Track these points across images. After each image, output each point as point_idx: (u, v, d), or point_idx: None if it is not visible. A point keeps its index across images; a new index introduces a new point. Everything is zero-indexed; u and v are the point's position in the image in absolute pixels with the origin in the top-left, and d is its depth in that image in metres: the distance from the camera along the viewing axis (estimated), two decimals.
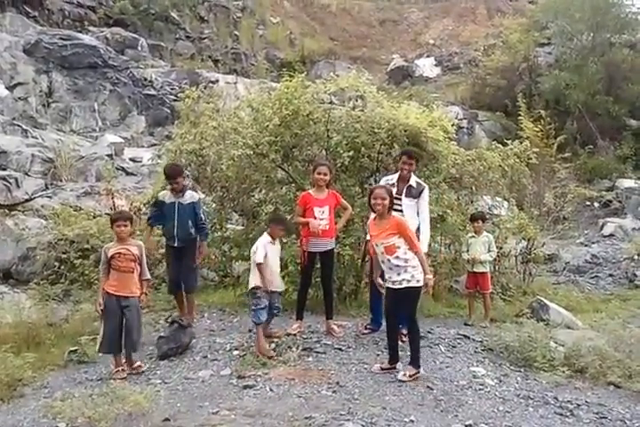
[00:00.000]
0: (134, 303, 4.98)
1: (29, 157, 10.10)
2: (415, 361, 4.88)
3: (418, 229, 5.77)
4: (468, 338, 5.92)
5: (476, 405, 4.46)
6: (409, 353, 5.01)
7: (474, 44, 22.82)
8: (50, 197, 9.18)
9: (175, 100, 13.19)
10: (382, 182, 6.02)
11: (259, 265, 5.30)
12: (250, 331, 5.80)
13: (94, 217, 7.86)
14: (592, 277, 10.32)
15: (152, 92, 14.80)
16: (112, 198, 8.19)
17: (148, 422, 4.07)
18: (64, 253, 7.21)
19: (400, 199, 5.75)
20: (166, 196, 5.77)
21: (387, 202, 4.81)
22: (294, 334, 5.63)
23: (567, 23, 17.83)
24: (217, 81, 15.75)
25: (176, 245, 5.74)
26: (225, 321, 6.33)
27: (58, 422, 4.11)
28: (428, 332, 6.02)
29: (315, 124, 6.89)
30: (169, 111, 14.33)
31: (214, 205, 7.61)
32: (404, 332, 5.64)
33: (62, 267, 7.12)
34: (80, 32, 15.71)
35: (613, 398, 4.76)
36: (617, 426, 4.31)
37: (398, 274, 4.80)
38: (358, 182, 7.06)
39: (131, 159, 12.01)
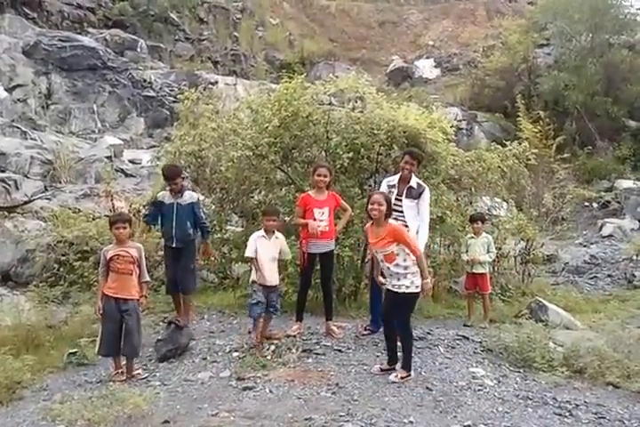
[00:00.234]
0: (133, 307, 4.96)
1: (28, 158, 10.10)
2: (407, 364, 4.89)
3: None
4: (468, 339, 5.92)
5: (475, 405, 4.47)
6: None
7: (473, 45, 22.86)
8: (49, 198, 9.18)
9: (174, 102, 13.22)
10: (384, 183, 6.03)
11: (250, 259, 5.33)
12: (249, 333, 5.80)
13: (93, 219, 7.85)
14: (591, 278, 10.33)
15: (151, 93, 14.81)
16: (111, 200, 8.17)
17: (147, 424, 4.06)
18: (63, 255, 7.20)
19: (400, 200, 5.77)
20: (165, 196, 5.77)
21: (383, 208, 4.80)
22: (294, 336, 5.63)
23: (566, 24, 17.86)
24: (216, 82, 15.77)
25: (174, 245, 5.73)
26: (224, 323, 6.33)
27: (57, 424, 4.10)
28: (428, 333, 6.03)
29: (314, 125, 6.90)
30: (168, 113, 14.34)
31: (214, 206, 7.62)
32: None
33: (61, 269, 7.11)
34: (79, 34, 15.73)
35: (612, 399, 4.76)
36: (615, 426, 4.31)
37: (398, 279, 4.83)
38: (358, 184, 7.07)
39: (130, 161, 12.02)
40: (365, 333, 5.85)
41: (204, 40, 19.97)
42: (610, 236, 12.60)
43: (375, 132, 6.68)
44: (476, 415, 4.30)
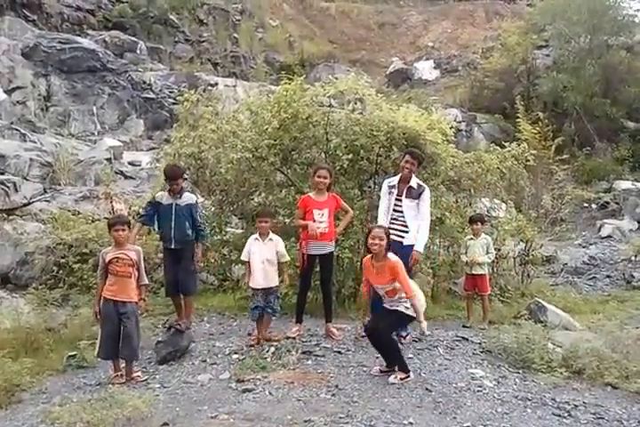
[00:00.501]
0: (132, 311, 4.95)
1: (28, 161, 10.10)
2: (403, 368, 4.88)
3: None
4: (467, 340, 5.93)
5: (474, 406, 4.47)
6: (408, 357, 5.02)
7: (472, 46, 22.88)
8: (48, 201, 9.18)
9: (174, 104, 13.21)
10: (384, 184, 6.04)
11: (244, 263, 5.39)
12: (249, 335, 5.81)
13: (93, 221, 7.86)
14: (590, 279, 10.34)
15: (151, 95, 14.82)
16: (111, 202, 8.18)
17: (146, 426, 4.07)
18: (62, 257, 7.20)
19: (400, 200, 5.77)
20: (163, 197, 5.73)
21: (384, 243, 4.78)
22: (293, 338, 5.63)
23: (565, 26, 17.87)
24: (216, 84, 15.77)
25: (173, 247, 5.70)
26: (224, 325, 6.33)
27: None
28: (427, 334, 6.02)
29: (314, 127, 6.92)
30: (168, 115, 14.34)
31: (213, 208, 7.63)
32: (403, 334, 5.67)
33: (61, 271, 7.11)
34: (79, 35, 15.74)
35: (611, 399, 4.76)
36: (614, 426, 4.33)
37: (398, 305, 4.88)
38: (357, 185, 7.08)
39: (129, 163, 12.01)
40: (365, 334, 5.85)
41: (203, 42, 19.98)
42: (609, 237, 12.62)
43: (375, 133, 6.70)
44: (475, 416, 4.30)
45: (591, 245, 12.23)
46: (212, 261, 7.46)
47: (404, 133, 6.71)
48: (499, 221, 8.18)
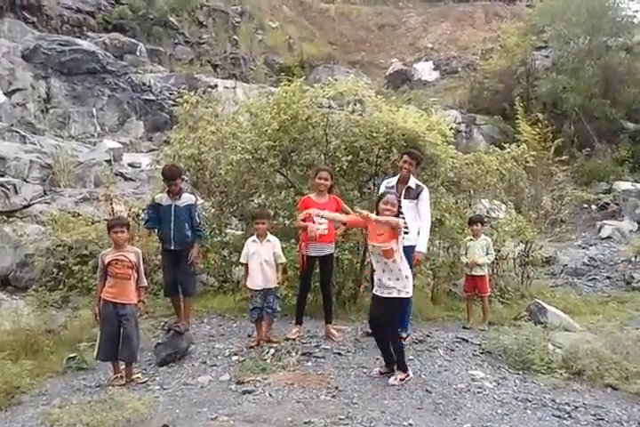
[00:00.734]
0: (131, 312, 4.95)
1: (27, 163, 10.10)
2: (402, 366, 4.87)
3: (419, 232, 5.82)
4: (467, 341, 5.93)
5: (474, 408, 4.47)
6: (409, 358, 5.02)
7: (472, 48, 22.91)
8: (48, 203, 9.18)
9: (174, 105, 13.21)
10: (382, 185, 6.04)
11: (242, 264, 5.48)
12: (249, 336, 5.81)
13: (93, 223, 7.86)
14: (590, 280, 10.34)
15: (151, 97, 14.82)
16: (111, 204, 8.18)
17: None
18: (62, 259, 7.21)
19: (399, 201, 5.76)
20: (163, 198, 5.74)
21: (395, 210, 4.79)
22: (293, 339, 5.63)
23: (564, 27, 17.88)
24: (216, 86, 15.78)
25: (173, 248, 5.71)
26: (224, 326, 6.33)
27: None
28: (427, 335, 6.03)
29: (313, 128, 6.91)
30: (168, 116, 14.33)
31: (213, 210, 7.63)
32: (403, 335, 5.67)
33: (61, 273, 7.12)
34: (79, 37, 15.75)
35: (611, 400, 4.76)
36: None
37: (389, 279, 4.79)
38: (357, 187, 7.08)
39: (129, 165, 12.01)
40: (371, 331, 5.85)
41: (203, 43, 20.00)
42: (608, 238, 12.63)
43: (374, 135, 6.69)
44: (475, 418, 4.30)
45: (591, 246, 12.24)
46: (212, 262, 7.46)
47: (403, 135, 6.71)
48: (498, 223, 8.18)
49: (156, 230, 5.92)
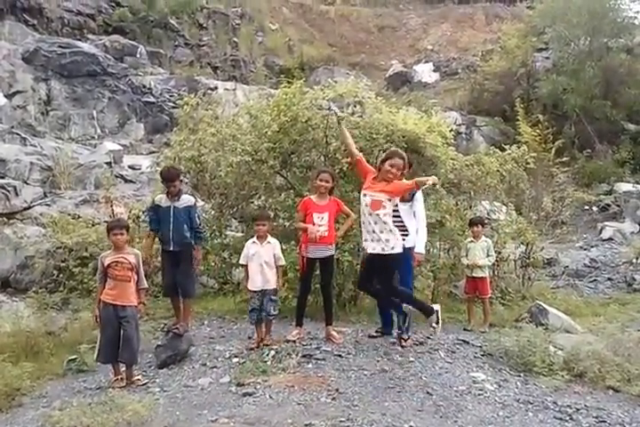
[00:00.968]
0: (132, 315, 4.94)
1: (28, 165, 10.12)
2: (427, 311, 5.03)
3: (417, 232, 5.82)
4: (468, 343, 5.91)
5: (475, 410, 4.45)
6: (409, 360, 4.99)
7: (472, 49, 22.95)
8: (48, 205, 9.19)
9: (174, 108, 13.24)
10: None
11: (242, 266, 5.50)
12: (249, 338, 5.80)
13: (93, 225, 7.87)
14: (591, 282, 10.32)
15: (151, 99, 14.85)
16: (111, 206, 8.19)
17: None
18: (63, 261, 7.21)
19: (396, 205, 5.75)
20: (162, 200, 5.74)
21: (399, 174, 4.97)
22: (294, 341, 5.61)
23: (564, 28, 17.90)
24: (216, 88, 15.82)
25: (172, 249, 5.69)
26: (224, 328, 6.32)
27: None
28: (428, 337, 6.01)
29: (313, 130, 6.91)
30: (168, 118, 14.36)
31: (213, 211, 7.63)
32: (405, 337, 5.65)
33: (61, 275, 7.12)
34: (79, 40, 15.80)
35: (612, 402, 4.75)
36: None
37: (381, 231, 4.89)
38: (357, 188, 7.06)
39: (130, 167, 12.03)
40: (376, 335, 5.85)
41: (203, 46, 20.04)
42: (610, 239, 12.61)
43: (374, 136, 6.69)
44: (476, 420, 4.28)
45: (592, 247, 12.22)
46: (213, 264, 7.45)
47: (403, 136, 6.71)
48: (499, 224, 8.17)
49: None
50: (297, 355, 5.28)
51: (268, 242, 5.60)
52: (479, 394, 4.74)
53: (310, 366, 5.15)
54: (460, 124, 17.12)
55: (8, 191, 8.93)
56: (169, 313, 6.51)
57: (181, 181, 6.01)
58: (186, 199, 5.75)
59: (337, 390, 4.66)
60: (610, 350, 5.38)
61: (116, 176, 10.92)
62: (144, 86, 15.01)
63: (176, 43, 19.16)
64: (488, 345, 5.76)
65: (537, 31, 19.45)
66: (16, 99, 13.25)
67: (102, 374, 5.20)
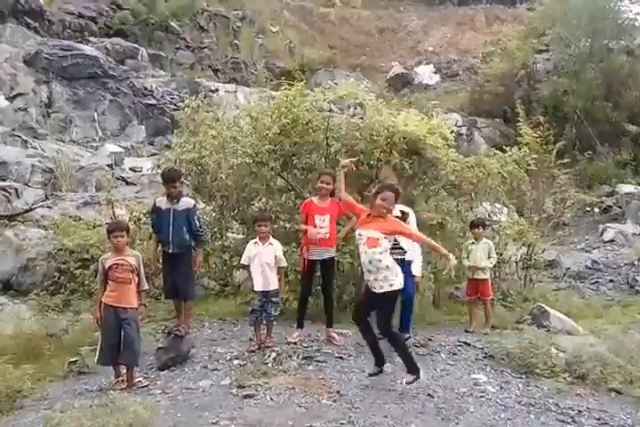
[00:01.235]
0: (133, 317, 4.93)
1: (29, 167, 10.14)
2: (411, 367, 4.76)
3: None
4: (469, 345, 5.90)
5: (477, 412, 4.44)
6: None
7: (472, 51, 22.98)
8: (50, 207, 9.20)
9: (175, 110, 13.27)
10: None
11: (243, 267, 5.55)
12: (250, 340, 5.79)
13: (94, 227, 7.87)
14: (593, 283, 10.31)
15: (152, 101, 14.88)
16: (112, 208, 8.19)
17: None
18: (64, 263, 7.20)
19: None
20: (162, 202, 5.76)
21: (390, 208, 4.75)
22: (294, 343, 5.61)
23: (565, 30, 17.91)
24: (217, 90, 15.85)
25: (171, 251, 5.70)
26: (225, 330, 6.31)
27: None
28: (429, 339, 6.01)
29: (314, 132, 6.92)
30: (169, 121, 14.38)
31: (214, 213, 7.62)
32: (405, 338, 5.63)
33: (62, 277, 7.11)
34: (80, 42, 15.84)
35: (615, 405, 4.74)
36: None
37: (378, 269, 4.70)
38: (357, 190, 7.06)
39: (131, 169, 12.05)
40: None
41: (204, 48, 20.08)
42: (611, 241, 12.59)
43: (375, 138, 6.69)
44: (478, 422, 4.28)
45: (594, 249, 12.21)
46: (213, 266, 7.44)
47: (404, 138, 6.70)
48: (500, 226, 8.16)
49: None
50: (298, 357, 5.28)
51: (270, 243, 5.60)
52: (481, 396, 4.73)
53: (311, 368, 5.15)
54: (460, 126, 17.12)
55: (9, 193, 8.95)
56: (170, 315, 6.51)
57: (182, 182, 6.02)
58: (185, 202, 5.75)
59: (338, 392, 4.66)
60: (612, 352, 5.37)
61: (117, 178, 10.93)
62: (145, 89, 15.04)
63: (177, 45, 19.20)
64: (490, 347, 5.75)
65: (537, 33, 19.46)
66: (17, 101, 13.27)
67: (103, 376, 5.19)
